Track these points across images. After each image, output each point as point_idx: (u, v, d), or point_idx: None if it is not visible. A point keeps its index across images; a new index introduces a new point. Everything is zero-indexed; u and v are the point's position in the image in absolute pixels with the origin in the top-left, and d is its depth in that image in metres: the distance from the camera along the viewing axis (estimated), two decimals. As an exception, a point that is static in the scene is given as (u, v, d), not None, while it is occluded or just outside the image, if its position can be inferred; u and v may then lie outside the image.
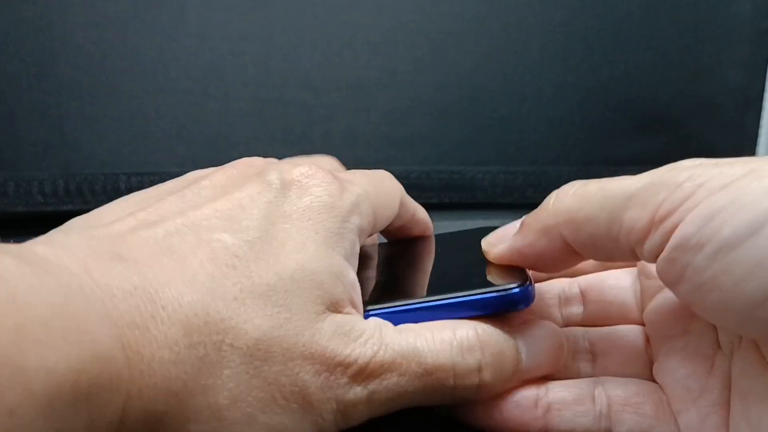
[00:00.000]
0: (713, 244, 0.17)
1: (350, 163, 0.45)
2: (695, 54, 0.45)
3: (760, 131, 0.47)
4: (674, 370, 0.21)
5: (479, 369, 0.20)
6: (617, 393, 0.21)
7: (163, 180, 0.43)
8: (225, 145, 0.43)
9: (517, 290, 0.21)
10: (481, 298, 0.21)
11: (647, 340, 0.23)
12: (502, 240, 0.23)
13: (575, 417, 0.21)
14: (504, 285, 0.21)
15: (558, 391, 0.21)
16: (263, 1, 0.41)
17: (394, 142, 0.44)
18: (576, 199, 0.21)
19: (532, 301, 0.22)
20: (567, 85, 0.45)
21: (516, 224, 0.23)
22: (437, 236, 0.29)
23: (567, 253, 0.21)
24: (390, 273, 0.25)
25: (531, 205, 0.46)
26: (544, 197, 0.47)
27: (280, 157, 0.43)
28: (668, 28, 0.45)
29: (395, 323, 0.21)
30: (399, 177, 0.46)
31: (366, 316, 0.21)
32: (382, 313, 0.21)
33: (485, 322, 0.21)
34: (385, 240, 0.30)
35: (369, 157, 0.44)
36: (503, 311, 0.21)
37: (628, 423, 0.21)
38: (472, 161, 0.45)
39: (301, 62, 0.42)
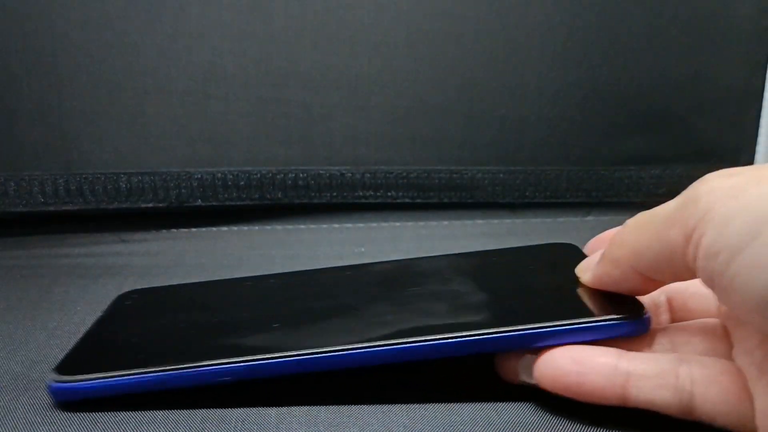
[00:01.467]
0: (726, 251, 0.18)
1: (350, 163, 0.45)
2: (695, 53, 0.45)
3: (759, 130, 0.47)
4: (751, 352, 0.21)
5: None
6: (703, 371, 0.21)
7: (164, 180, 0.43)
8: (225, 144, 0.43)
9: (641, 318, 0.22)
10: (603, 325, 0.22)
11: (725, 330, 0.24)
12: (588, 268, 0.24)
13: (655, 390, 0.21)
14: (624, 313, 0.22)
15: (640, 363, 0.21)
16: (263, 0, 0.41)
17: (393, 141, 0.44)
18: (633, 230, 0.22)
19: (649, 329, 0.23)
20: (567, 84, 0.45)
21: (599, 253, 0.24)
22: (505, 251, 0.30)
23: (643, 280, 0.22)
24: (483, 290, 0.26)
25: (531, 204, 0.46)
26: (544, 197, 0.47)
27: (279, 157, 0.44)
28: (668, 28, 0.45)
29: (508, 348, 0.22)
30: (399, 177, 0.46)
31: (496, 339, 0.22)
32: (502, 336, 0.22)
33: None
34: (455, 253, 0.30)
35: (369, 156, 0.44)
36: (618, 337, 0.22)
37: (712, 401, 0.21)
38: (472, 161, 0.45)
39: (301, 62, 0.42)
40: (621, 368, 0.21)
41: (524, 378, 0.23)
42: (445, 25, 0.43)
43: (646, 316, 0.22)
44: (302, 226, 0.44)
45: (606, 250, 0.23)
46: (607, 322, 0.22)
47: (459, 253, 0.30)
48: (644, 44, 0.45)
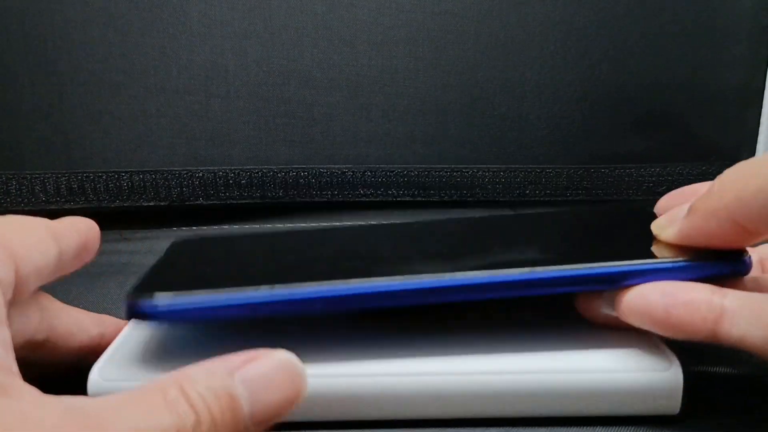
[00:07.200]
0: None
1: (351, 161, 0.45)
2: (695, 51, 0.45)
3: (760, 128, 0.47)
4: None
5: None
6: None
7: (165, 179, 0.43)
8: (227, 143, 0.43)
9: (742, 258, 0.21)
10: (700, 264, 0.21)
11: None
12: (672, 223, 0.22)
13: (750, 328, 0.19)
14: (722, 255, 0.21)
15: (736, 299, 0.20)
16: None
17: (394, 140, 0.44)
18: (739, 176, 0.20)
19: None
20: (567, 82, 0.45)
21: (684, 207, 0.22)
22: (576, 210, 0.29)
23: (740, 234, 0.20)
24: (571, 237, 0.25)
25: (531, 203, 0.46)
26: (544, 195, 0.47)
27: (281, 156, 0.44)
28: (668, 26, 0.45)
29: (598, 286, 0.21)
30: (399, 175, 0.46)
31: (587, 275, 0.21)
32: (594, 272, 0.21)
33: (203, 370, 0.18)
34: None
35: (369, 155, 0.44)
36: (713, 278, 0.21)
37: None
38: (472, 159, 0.45)
39: (302, 61, 0.42)
40: (715, 303, 0.20)
41: (606, 310, 0.22)
42: (445, 24, 0.43)
43: (747, 257, 0.21)
44: (303, 225, 0.44)
45: (698, 202, 0.21)
46: (705, 262, 0.21)
47: (533, 213, 0.29)
48: (644, 43, 0.45)
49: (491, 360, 0.21)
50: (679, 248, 0.22)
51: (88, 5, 0.40)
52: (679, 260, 0.21)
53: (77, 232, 0.22)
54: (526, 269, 0.20)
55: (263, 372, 0.18)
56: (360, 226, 0.28)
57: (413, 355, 0.21)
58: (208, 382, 0.17)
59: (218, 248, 0.26)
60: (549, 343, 0.22)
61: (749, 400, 0.22)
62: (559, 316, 0.23)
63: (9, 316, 0.18)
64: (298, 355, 0.19)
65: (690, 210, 0.21)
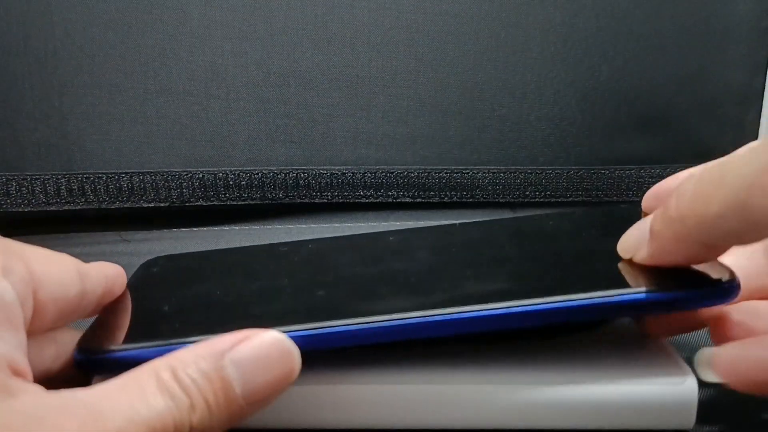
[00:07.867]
0: None
1: (351, 163, 0.45)
2: (695, 53, 0.46)
3: (759, 131, 0.47)
4: None
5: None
6: None
7: (165, 180, 0.43)
8: (227, 144, 0.43)
9: (732, 283, 0.19)
10: (689, 295, 0.19)
11: None
12: (640, 245, 0.21)
13: None
14: (708, 280, 0.19)
15: None
16: (265, 0, 0.41)
17: (394, 141, 0.44)
18: (698, 198, 0.18)
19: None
20: (567, 84, 0.45)
21: (646, 228, 0.20)
22: (562, 215, 0.26)
23: (711, 250, 0.19)
24: (543, 256, 0.23)
25: (531, 204, 0.46)
26: (544, 196, 0.47)
27: (280, 157, 0.44)
28: (668, 28, 0.45)
29: (579, 320, 0.19)
30: (399, 176, 0.46)
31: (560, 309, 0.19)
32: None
33: (193, 353, 0.18)
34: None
35: (369, 156, 0.44)
36: (703, 307, 0.20)
37: None
38: (473, 160, 0.45)
39: (302, 62, 0.42)
40: None
41: (707, 378, 0.20)
42: (445, 25, 0.43)
43: (736, 281, 0.19)
44: (303, 226, 0.44)
45: (659, 224, 0.20)
46: (694, 292, 0.19)
47: (505, 218, 0.27)
48: (644, 44, 0.45)
49: (503, 371, 0.21)
50: (659, 270, 0.20)
51: (88, 6, 0.40)
52: (663, 292, 0.19)
53: (104, 277, 0.22)
54: (496, 305, 0.19)
55: (254, 352, 0.18)
56: (310, 242, 0.27)
57: (421, 364, 0.21)
58: (199, 365, 0.17)
59: (174, 282, 0.25)
60: (561, 354, 0.21)
61: (765, 414, 0.21)
62: (572, 326, 0.23)
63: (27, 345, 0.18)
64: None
65: (652, 234, 0.20)
